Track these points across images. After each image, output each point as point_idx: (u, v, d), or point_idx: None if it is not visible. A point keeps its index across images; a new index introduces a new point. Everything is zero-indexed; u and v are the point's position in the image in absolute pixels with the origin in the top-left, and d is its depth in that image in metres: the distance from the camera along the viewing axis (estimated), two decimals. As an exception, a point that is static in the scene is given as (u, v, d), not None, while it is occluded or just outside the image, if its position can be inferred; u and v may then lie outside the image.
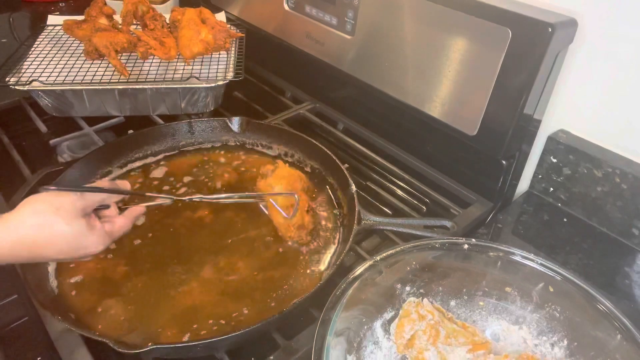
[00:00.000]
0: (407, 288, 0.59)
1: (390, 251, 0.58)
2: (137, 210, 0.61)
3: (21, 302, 0.62)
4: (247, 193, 0.76)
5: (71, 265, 0.64)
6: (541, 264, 0.58)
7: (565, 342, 0.55)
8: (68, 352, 0.56)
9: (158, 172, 0.83)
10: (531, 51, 0.65)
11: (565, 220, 0.78)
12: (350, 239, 0.62)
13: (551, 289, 0.57)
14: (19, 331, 0.59)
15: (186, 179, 0.81)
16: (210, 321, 0.57)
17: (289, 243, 0.68)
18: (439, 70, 0.76)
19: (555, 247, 0.74)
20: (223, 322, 0.57)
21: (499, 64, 0.68)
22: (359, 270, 0.56)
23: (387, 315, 0.58)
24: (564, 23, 0.65)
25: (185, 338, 0.55)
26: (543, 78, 0.68)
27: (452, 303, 0.60)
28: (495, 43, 0.67)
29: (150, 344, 0.48)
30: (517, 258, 0.59)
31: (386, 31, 0.82)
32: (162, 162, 0.85)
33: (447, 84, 0.76)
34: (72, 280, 0.62)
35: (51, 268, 0.63)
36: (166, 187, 0.79)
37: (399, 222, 0.67)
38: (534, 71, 0.65)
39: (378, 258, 0.57)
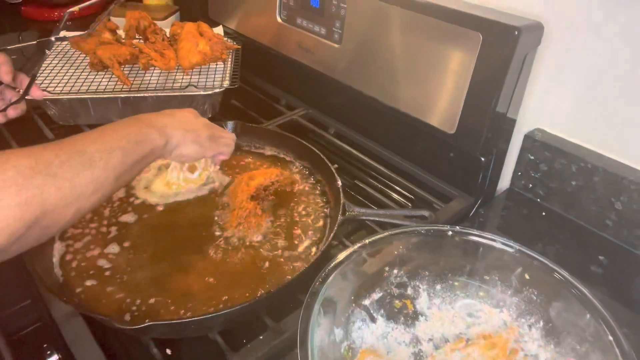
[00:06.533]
0: (395, 271, 0.62)
1: (379, 236, 0.62)
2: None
3: (35, 308, 0.64)
4: None
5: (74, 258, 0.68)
6: (519, 250, 0.61)
7: (541, 323, 0.58)
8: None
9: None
10: (500, 53, 0.69)
11: (543, 214, 0.82)
12: (335, 227, 0.67)
13: (527, 276, 0.60)
14: (33, 336, 0.61)
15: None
16: (205, 306, 0.61)
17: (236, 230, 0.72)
18: (420, 74, 0.81)
19: (533, 239, 0.77)
20: (217, 305, 0.61)
21: (472, 66, 0.73)
22: (345, 253, 0.59)
23: (376, 295, 0.61)
24: (531, 26, 0.70)
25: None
26: (513, 78, 0.72)
27: (438, 287, 0.63)
28: (468, 47, 0.72)
29: (147, 320, 0.52)
30: (498, 245, 0.62)
31: (371, 39, 0.87)
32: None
33: (427, 86, 0.81)
34: (74, 265, 0.66)
35: (55, 259, 0.67)
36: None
37: (380, 213, 0.71)
38: (503, 72, 0.70)
39: (367, 242, 0.60)
